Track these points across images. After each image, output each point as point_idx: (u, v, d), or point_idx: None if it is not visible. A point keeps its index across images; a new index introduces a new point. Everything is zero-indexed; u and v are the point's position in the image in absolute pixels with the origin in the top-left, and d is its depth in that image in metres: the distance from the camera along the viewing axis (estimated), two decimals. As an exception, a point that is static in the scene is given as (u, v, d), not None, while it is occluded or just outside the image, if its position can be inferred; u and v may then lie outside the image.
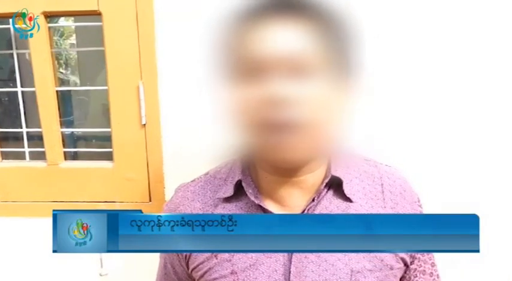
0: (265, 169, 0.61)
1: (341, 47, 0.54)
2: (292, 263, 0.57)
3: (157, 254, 0.74)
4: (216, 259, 0.60)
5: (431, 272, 0.67)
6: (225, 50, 0.55)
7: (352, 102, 0.55)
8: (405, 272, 0.65)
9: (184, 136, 1.00)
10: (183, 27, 0.95)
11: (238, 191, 0.62)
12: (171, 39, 0.96)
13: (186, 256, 0.65)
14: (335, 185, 0.60)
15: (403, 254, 0.61)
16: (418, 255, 0.65)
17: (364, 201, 0.61)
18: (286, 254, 0.58)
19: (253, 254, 0.58)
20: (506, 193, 0.97)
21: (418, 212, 0.64)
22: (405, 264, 0.62)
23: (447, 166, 0.96)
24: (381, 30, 0.90)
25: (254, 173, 0.63)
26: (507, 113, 0.94)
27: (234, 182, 0.62)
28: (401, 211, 0.62)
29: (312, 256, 0.57)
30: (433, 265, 0.67)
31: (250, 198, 0.60)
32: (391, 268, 0.59)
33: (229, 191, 0.62)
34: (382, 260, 0.58)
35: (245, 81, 0.52)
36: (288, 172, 0.59)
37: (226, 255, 0.60)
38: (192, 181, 0.70)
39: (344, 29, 0.54)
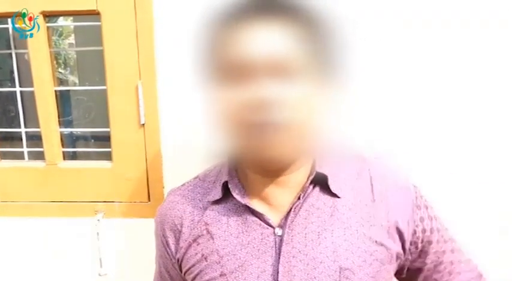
0: (251, 169, 0.61)
1: (324, 48, 0.54)
2: (280, 263, 0.57)
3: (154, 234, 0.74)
4: (206, 261, 0.61)
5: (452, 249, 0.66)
6: (209, 51, 0.54)
7: (337, 103, 0.56)
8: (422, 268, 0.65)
9: (183, 136, 1.00)
10: (182, 27, 0.94)
11: (227, 192, 0.62)
12: (170, 39, 0.96)
13: (178, 259, 0.65)
14: (321, 182, 0.60)
15: (398, 249, 0.60)
16: (431, 249, 0.64)
17: (351, 196, 0.60)
18: (274, 254, 0.58)
19: (242, 256, 0.59)
20: (507, 193, 0.97)
21: (414, 201, 0.63)
22: (398, 257, 0.61)
23: (445, 166, 0.96)
24: (372, 32, 0.90)
25: (242, 174, 0.63)
26: (507, 114, 0.94)
27: (221, 184, 0.62)
28: (392, 202, 0.61)
29: (300, 255, 0.57)
30: (452, 241, 0.67)
31: (237, 198, 0.60)
32: (382, 263, 0.59)
33: (217, 194, 0.63)
34: (371, 255, 0.58)
35: (229, 83, 0.52)
36: (273, 171, 0.59)
37: (215, 257, 0.60)
38: (182, 185, 0.71)
39: (327, 30, 0.54)
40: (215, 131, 0.56)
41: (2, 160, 1.11)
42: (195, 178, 0.70)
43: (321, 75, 0.53)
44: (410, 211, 0.62)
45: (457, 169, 0.96)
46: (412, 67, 0.92)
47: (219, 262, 0.59)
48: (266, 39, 0.50)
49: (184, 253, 0.63)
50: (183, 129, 1.00)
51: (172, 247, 0.65)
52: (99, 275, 1.08)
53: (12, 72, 1.11)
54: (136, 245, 1.07)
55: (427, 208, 0.64)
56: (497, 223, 0.98)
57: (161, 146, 1.02)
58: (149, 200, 1.05)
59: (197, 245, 0.62)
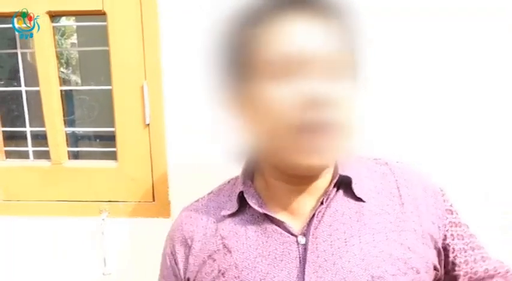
0: (275, 177, 0.58)
1: (362, 46, 0.53)
2: (306, 274, 0.52)
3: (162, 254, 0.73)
4: (224, 277, 0.56)
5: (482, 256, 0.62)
6: (249, 47, 0.51)
7: (364, 102, 0.54)
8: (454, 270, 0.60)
9: (188, 136, 1.00)
10: (188, 26, 0.95)
11: (242, 204, 0.59)
12: (175, 39, 0.96)
13: (188, 279, 0.61)
14: (344, 186, 0.57)
15: (433, 258, 0.56)
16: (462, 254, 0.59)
17: (377, 200, 0.56)
18: (298, 264, 0.53)
19: (263, 268, 0.54)
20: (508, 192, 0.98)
21: (443, 205, 0.59)
22: (435, 268, 0.57)
23: (450, 167, 0.97)
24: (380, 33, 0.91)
25: (260, 183, 0.60)
26: (509, 116, 0.94)
27: (237, 195, 0.59)
28: (423, 206, 0.57)
29: (327, 265, 0.53)
30: (479, 248, 0.62)
31: (254, 208, 0.57)
32: (418, 272, 0.53)
33: (234, 206, 0.59)
34: (405, 263, 0.53)
35: (278, 80, 0.48)
36: (302, 179, 0.56)
37: (233, 272, 0.55)
38: (195, 201, 0.68)
39: (359, 27, 0.52)
40: (242, 133, 0.52)
41: (7, 159, 1.11)
42: (209, 193, 0.68)
43: (357, 73, 0.51)
44: (441, 215, 0.58)
45: (459, 168, 0.97)
46: (419, 66, 0.92)
47: (238, 277, 0.55)
48: (320, 35, 0.48)
49: (198, 271, 0.59)
50: (188, 130, 1.00)
51: (181, 265, 0.61)
52: (103, 274, 1.08)
53: (15, 72, 1.11)
54: (140, 244, 1.07)
55: (456, 213, 0.61)
56: (499, 223, 0.98)
57: (166, 146, 1.02)
58: (154, 200, 1.05)
59: (213, 261, 0.58)
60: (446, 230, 0.58)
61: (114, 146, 1.05)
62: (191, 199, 0.70)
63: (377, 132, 0.94)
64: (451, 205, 0.61)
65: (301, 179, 0.56)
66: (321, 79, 0.48)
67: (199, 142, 0.99)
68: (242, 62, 0.51)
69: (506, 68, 0.92)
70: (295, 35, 0.48)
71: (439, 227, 0.57)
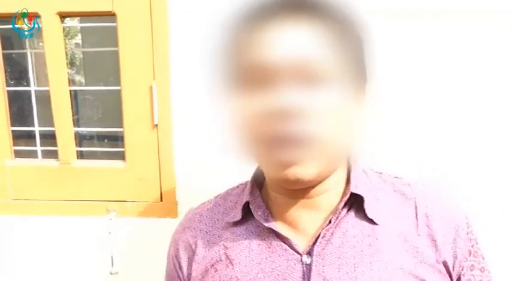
0: (273, 189, 0.55)
1: (356, 52, 0.49)
2: None
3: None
4: None
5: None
6: (229, 55, 0.49)
7: (365, 112, 0.51)
8: None
9: (196, 136, 1.01)
10: (197, 28, 0.96)
11: (248, 214, 0.56)
12: (184, 40, 0.97)
13: None
14: (357, 205, 0.52)
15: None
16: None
17: (394, 224, 0.52)
18: None
19: None
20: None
21: (465, 227, 0.54)
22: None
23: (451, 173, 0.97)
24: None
25: (266, 192, 0.58)
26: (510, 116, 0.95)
27: (242, 205, 0.56)
28: (440, 239, 0.52)
29: None
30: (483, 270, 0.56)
31: (260, 221, 0.54)
32: None
33: (237, 215, 0.57)
34: (417, 276, 0.49)
35: (250, 89, 0.47)
36: (299, 192, 0.52)
37: None
38: (201, 204, 0.65)
39: (358, 32, 0.49)
40: (234, 144, 0.50)
41: (16, 158, 1.12)
42: (216, 196, 0.65)
43: (352, 82, 0.47)
44: (462, 245, 0.53)
45: (460, 168, 0.97)
46: (418, 67, 0.93)
47: None
48: (292, 41, 0.45)
49: (201, 280, 0.57)
50: (195, 130, 1.01)
51: (185, 269, 0.59)
52: (111, 273, 1.08)
53: (23, 71, 1.12)
54: (147, 244, 1.07)
55: (477, 243, 0.55)
56: (498, 222, 0.98)
57: (174, 146, 1.03)
58: (161, 200, 1.06)
59: (215, 271, 0.55)
60: (465, 259, 0.53)
61: (119, 146, 1.06)
62: (199, 199, 0.69)
63: (379, 139, 0.94)
64: (476, 242, 0.55)
65: (295, 191, 0.52)
66: (295, 89, 0.45)
67: (207, 142, 1.00)
68: (230, 68, 0.49)
69: (506, 69, 0.92)
70: (271, 41, 0.45)
71: (457, 256, 0.52)
